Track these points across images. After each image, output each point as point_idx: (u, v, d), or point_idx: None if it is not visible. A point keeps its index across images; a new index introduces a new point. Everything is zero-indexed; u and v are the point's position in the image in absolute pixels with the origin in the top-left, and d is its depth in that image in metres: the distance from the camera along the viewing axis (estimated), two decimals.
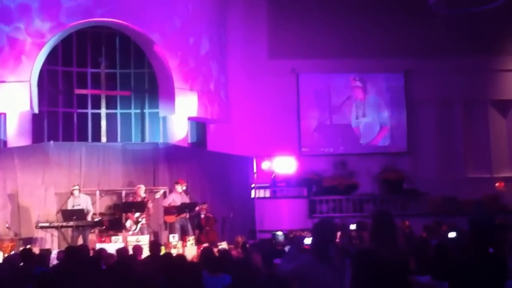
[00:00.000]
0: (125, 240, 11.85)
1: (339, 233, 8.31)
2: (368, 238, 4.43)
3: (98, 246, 11.05)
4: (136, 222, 12.58)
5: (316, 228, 4.52)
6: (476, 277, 4.44)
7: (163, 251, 9.71)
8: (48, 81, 16.73)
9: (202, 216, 13.36)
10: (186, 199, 13.27)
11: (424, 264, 6.00)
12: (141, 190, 12.91)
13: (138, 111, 17.86)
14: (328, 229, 4.47)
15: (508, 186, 19.03)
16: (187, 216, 13.02)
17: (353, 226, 12.32)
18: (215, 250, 8.52)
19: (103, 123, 16.47)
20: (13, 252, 10.22)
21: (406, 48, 19.32)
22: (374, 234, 4.33)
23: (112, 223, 12.96)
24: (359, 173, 18.54)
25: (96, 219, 12.51)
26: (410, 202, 17.90)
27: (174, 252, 10.64)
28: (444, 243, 6.95)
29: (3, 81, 15.13)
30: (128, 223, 12.61)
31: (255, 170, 15.96)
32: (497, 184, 19.17)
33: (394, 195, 18.00)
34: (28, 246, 9.77)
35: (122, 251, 8.43)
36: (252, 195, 16.25)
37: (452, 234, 8.98)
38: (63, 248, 9.99)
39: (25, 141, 15.02)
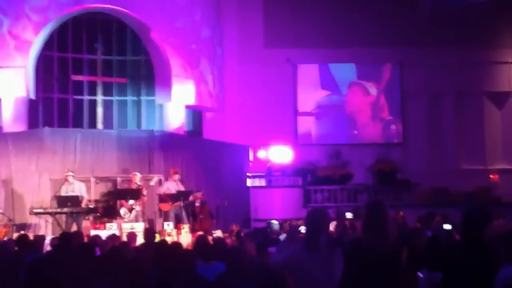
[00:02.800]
0: (119, 227, 11.86)
1: (334, 222, 8.31)
2: (360, 227, 4.45)
3: (93, 232, 11.06)
4: (130, 209, 12.58)
5: (308, 217, 4.56)
6: (469, 268, 4.46)
7: (157, 238, 9.73)
8: (43, 67, 16.61)
9: (197, 204, 13.36)
10: (181, 188, 13.26)
11: (418, 255, 6.01)
12: (137, 178, 12.90)
13: (135, 98, 17.78)
14: (319, 218, 4.50)
15: (502, 178, 19.07)
16: (181, 204, 13.01)
17: (349, 215, 12.28)
18: (210, 238, 8.54)
19: (99, 109, 16.40)
20: (6, 238, 10.21)
21: (400, 39, 19.26)
22: (367, 224, 4.35)
23: (107, 210, 12.96)
24: (353, 163, 18.54)
25: (90, 206, 12.50)
26: (403, 192, 17.92)
27: (168, 239, 10.65)
28: (438, 235, 6.97)
29: None
30: (122, 210, 12.61)
31: (250, 159, 15.94)
32: (491, 176, 19.21)
33: (388, 185, 18.02)
34: (22, 232, 9.77)
35: (112, 238, 8.44)
36: (248, 184, 16.25)
37: (447, 226, 9.00)
38: (57, 235, 9.98)
39: (21, 127, 14.96)
